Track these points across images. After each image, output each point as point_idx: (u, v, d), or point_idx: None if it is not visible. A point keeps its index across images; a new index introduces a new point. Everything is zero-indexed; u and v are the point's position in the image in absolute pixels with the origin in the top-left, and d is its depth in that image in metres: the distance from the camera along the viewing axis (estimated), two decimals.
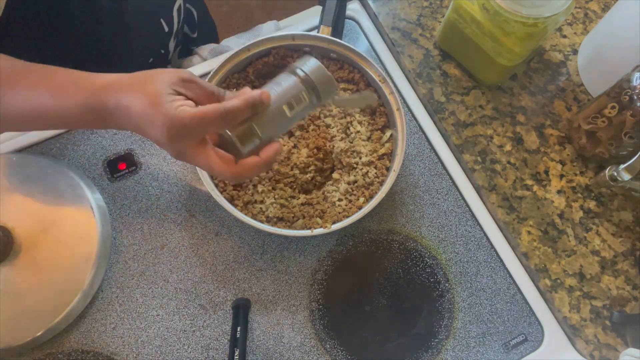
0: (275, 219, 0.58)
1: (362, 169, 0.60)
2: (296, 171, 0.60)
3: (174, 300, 0.59)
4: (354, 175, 0.60)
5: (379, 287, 0.61)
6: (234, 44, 0.74)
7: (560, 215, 0.63)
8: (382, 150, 0.61)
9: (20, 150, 0.63)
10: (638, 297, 0.61)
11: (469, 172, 0.65)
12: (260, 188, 0.59)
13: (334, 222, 0.57)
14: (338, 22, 0.64)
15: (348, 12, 0.72)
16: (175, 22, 0.71)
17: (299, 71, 0.48)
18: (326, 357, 0.58)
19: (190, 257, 0.61)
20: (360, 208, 0.58)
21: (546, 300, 0.61)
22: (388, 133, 0.62)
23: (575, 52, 0.71)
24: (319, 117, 0.63)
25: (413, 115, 0.68)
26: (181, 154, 0.44)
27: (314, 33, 0.62)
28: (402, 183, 0.64)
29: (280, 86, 0.48)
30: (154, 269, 0.60)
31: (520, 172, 0.65)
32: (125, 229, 0.61)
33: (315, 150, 0.60)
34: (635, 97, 0.54)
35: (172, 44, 0.73)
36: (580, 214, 0.64)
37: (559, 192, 0.64)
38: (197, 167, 0.57)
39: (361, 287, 0.61)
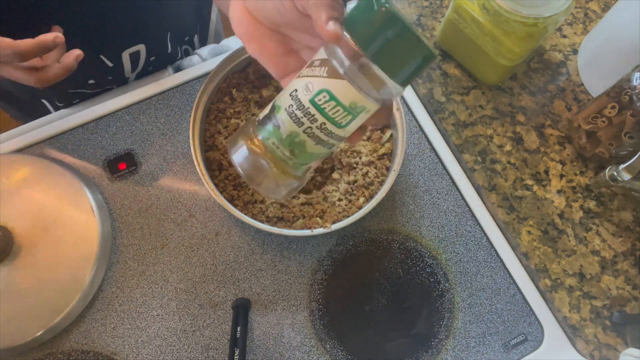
0: (275, 219, 0.58)
1: (362, 168, 0.60)
2: None
3: (174, 300, 0.59)
4: (354, 175, 0.60)
5: (379, 287, 0.61)
6: (234, 44, 0.75)
7: (560, 215, 0.63)
8: (382, 150, 0.61)
9: (20, 150, 0.63)
10: (638, 297, 0.61)
11: (469, 172, 0.65)
12: None
13: (334, 222, 0.57)
14: None
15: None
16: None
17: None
18: (326, 357, 0.58)
19: (190, 257, 0.61)
20: (360, 208, 0.58)
21: (546, 300, 0.61)
22: (388, 133, 0.62)
23: (575, 52, 0.71)
24: None
25: (413, 115, 0.68)
26: None
27: None
28: (402, 183, 0.64)
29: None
30: (154, 269, 0.60)
31: (520, 172, 0.65)
32: (125, 229, 0.61)
33: None
34: (635, 97, 0.54)
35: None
36: (580, 214, 0.64)
37: (559, 192, 0.64)
38: (197, 167, 0.57)
39: (361, 287, 0.61)
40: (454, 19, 0.63)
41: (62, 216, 0.58)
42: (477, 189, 0.65)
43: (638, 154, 0.54)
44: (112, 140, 0.64)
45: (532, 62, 0.70)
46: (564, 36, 0.72)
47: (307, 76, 0.32)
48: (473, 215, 0.64)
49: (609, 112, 0.58)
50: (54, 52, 0.50)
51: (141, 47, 0.68)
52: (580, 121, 0.63)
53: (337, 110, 0.32)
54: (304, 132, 0.33)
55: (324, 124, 0.33)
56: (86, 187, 0.60)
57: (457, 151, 0.66)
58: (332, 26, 0.31)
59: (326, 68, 0.31)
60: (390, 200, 0.64)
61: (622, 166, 0.55)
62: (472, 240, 0.63)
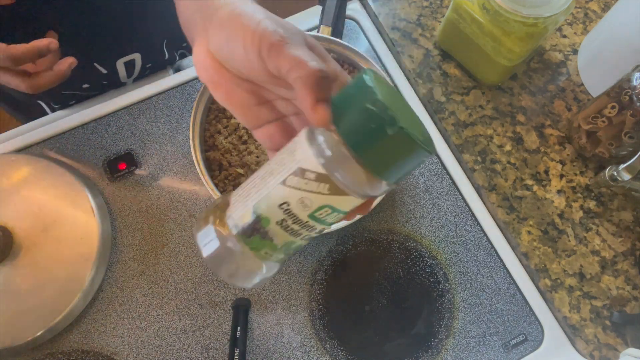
0: None
1: None
2: None
3: (174, 300, 0.59)
4: None
5: (379, 287, 0.61)
6: None
7: (560, 215, 0.63)
8: None
9: (20, 150, 0.63)
10: (638, 297, 0.61)
11: (469, 172, 0.65)
12: None
13: None
14: (338, 22, 0.64)
15: (348, 12, 0.72)
16: None
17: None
18: (326, 357, 0.58)
19: (190, 257, 0.61)
20: None
21: (546, 300, 0.61)
22: None
23: (575, 52, 0.71)
24: None
25: None
26: None
27: (314, 33, 0.62)
28: (402, 183, 0.64)
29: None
30: (154, 269, 0.60)
31: (520, 172, 0.65)
32: (125, 229, 0.61)
33: None
34: (635, 97, 0.54)
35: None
36: (580, 214, 0.64)
37: (559, 192, 0.64)
38: (197, 167, 0.57)
39: (361, 287, 0.61)
40: (454, 19, 0.63)
41: (62, 216, 0.59)
42: (477, 189, 0.65)
43: (638, 154, 0.54)
44: (112, 140, 0.64)
45: (532, 62, 0.70)
46: (564, 36, 0.72)
47: (301, 190, 0.29)
48: (473, 215, 0.64)
49: (609, 112, 0.58)
50: (47, 58, 0.49)
51: (136, 56, 0.68)
52: (580, 121, 0.63)
53: (337, 217, 0.31)
54: (301, 239, 0.32)
55: (323, 228, 0.32)
56: (86, 187, 0.60)
57: (457, 151, 0.66)
58: (320, 112, 0.27)
59: (327, 185, 0.29)
60: (390, 200, 0.64)
61: (622, 166, 0.55)
62: (472, 240, 0.63)
